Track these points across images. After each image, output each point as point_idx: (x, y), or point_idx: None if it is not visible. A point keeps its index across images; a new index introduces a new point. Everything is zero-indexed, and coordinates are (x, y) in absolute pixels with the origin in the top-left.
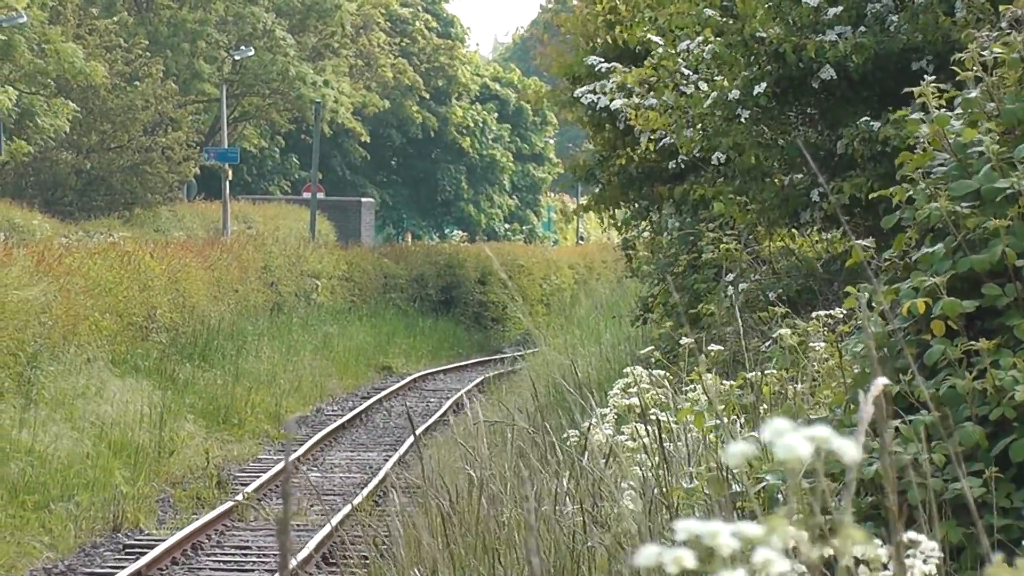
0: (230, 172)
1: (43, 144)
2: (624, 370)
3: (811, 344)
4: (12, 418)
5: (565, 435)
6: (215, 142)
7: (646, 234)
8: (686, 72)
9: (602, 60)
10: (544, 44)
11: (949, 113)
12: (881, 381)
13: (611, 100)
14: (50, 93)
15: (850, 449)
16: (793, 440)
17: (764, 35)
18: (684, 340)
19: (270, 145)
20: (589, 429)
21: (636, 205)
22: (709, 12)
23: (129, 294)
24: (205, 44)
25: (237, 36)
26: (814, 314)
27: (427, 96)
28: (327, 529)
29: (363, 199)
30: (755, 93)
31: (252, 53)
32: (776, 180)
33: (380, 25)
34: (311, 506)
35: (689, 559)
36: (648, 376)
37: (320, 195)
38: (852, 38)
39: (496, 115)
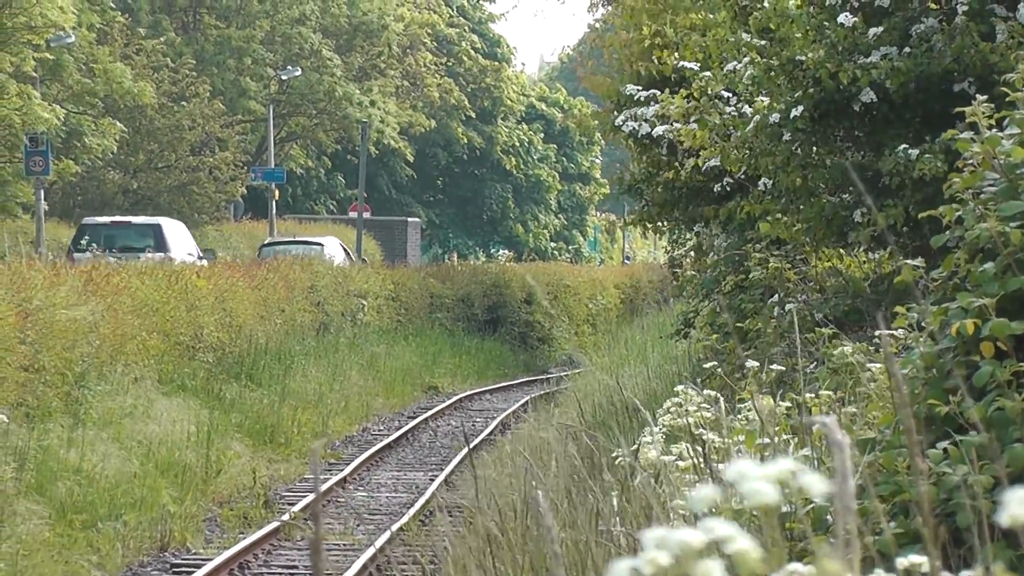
0: (276, 192)
1: (91, 164)
2: (675, 388)
3: (861, 363)
4: (60, 437)
5: (614, 454)
6: (262, 162)
7: (692, 254)
8: (726, 95)
9: (640, 88)
10: (587, 67)
11: (999, 134)
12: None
13: (652, 128)
14: (98, 113)
15: (817, 484)
16: (758, 485)
17: (803, 58)
18: (748, 363)
19: (316, 165)
20: (639, 449)
21: (681, 224)
22: (746, 37)
23: (176, 314)
24: (251, 61)
25: (284, 56)
26: (874, 332)
27: (473, 116)
28: (373, 550)
29: (409, 218)
30: (792, 116)
31: (299, 73)
32: (823, 199)
33: (426, 45)
34: (357, 525)
35: (664, 559)
36: (698, 395)
37: (366, 214)
38: (889, 61)
39: (542, 135)
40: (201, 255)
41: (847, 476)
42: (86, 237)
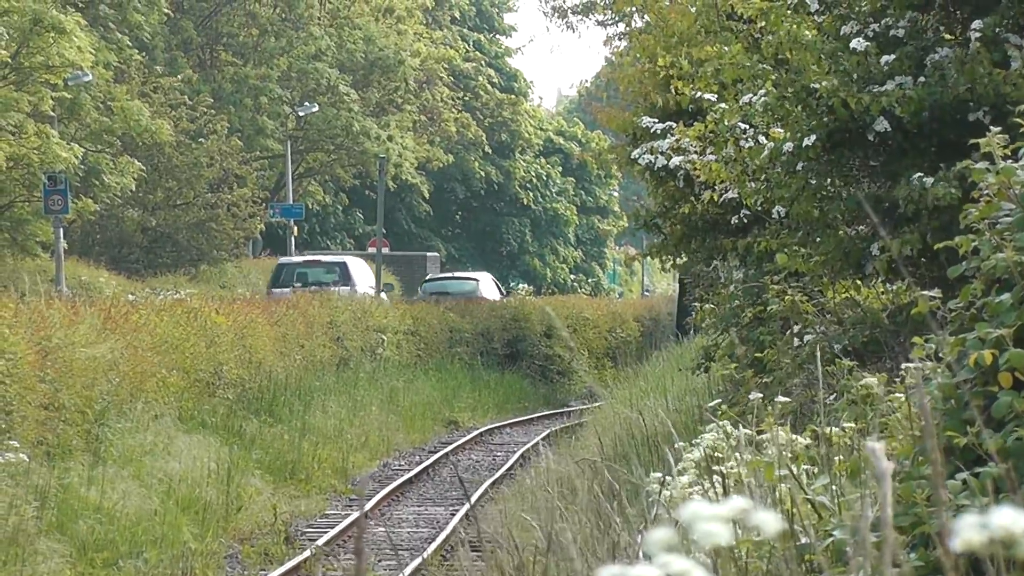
0: (295, 228)
1: (109, 202)
2: (700, 429)
3: (877, 394)
4: (80, 475)
5: (636, 489)
6: (280, 198)
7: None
8: (743, 126)
9: (656, 121)
10: (602, 101)
11: (1015, 164)
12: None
13: (668, 160)
14: (116, 151)
15: (771, 522)
16: (710, 527)
17: (817, 86)
18: (752, 395)
19: (334, 201)
20: (662, 485)
21: (698, 255)
22: (762, 65)
23: (196, 350)
24: (268, 100)
25: (301, 92)
26: (894, 363)
27: (490, 150)
28: None
29: (428, 253)
30: (804, 145)
31: (316, 109)
32: (840, 231)
33: (443, 80)
34: (378, 561)
35: None
36: (720, 433)
37: (385, 250)
38: (901, 89)
39: (560, 168)
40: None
41: (887, 505)
42: (283, 275)
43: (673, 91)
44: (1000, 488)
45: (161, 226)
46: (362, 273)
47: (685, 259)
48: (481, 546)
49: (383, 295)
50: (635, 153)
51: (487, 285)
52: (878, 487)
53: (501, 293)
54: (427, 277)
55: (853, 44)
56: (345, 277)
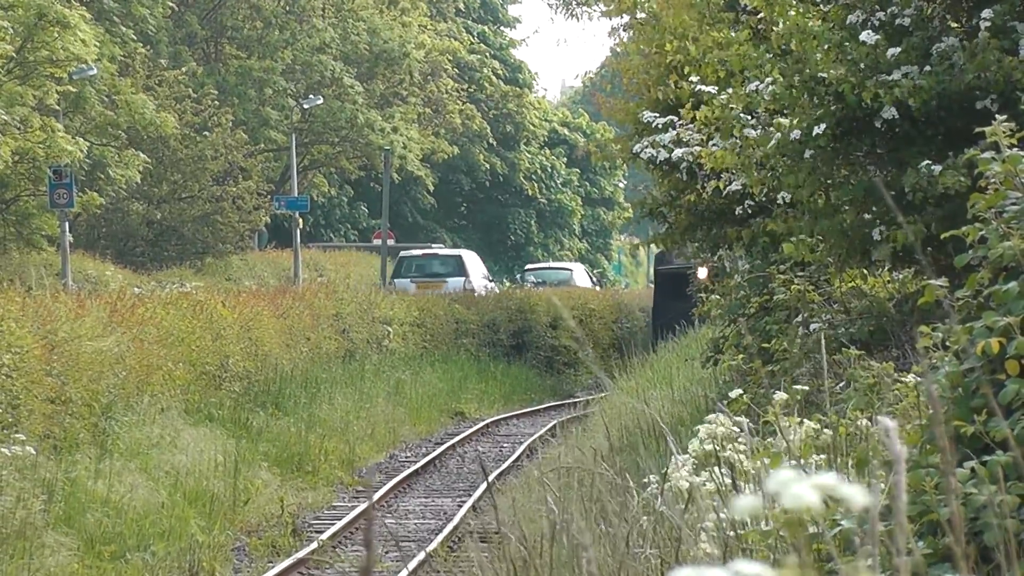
0: (300, 220)
1: (114, 195)
2: (706, 418)
3: (886, 383)
4: (87, 469)
5: (643, 479)
6: (285, 190)
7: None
8: (745, 116)
9: (657, 115)
10: (606, 92)
11: (1021, 152)
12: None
13: (670, 153)
14: (121, 144)
15: (858, 496)
16: (800, 490)
17: (825, 75)
18: (777, 395)
19: (339, 194)
20: (666, 474)
21: (703, 244)
22: (768, 55)
23: (202, 343)
24: (272, 92)
25: (306, 85)
26: (900, 352)
27: (495, 142)
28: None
29: (433, 245)
30: (815, 134)
31: (321, 101)
32: (844, 216)
33: (448, 72)
34: (386, 553)
35: None
36: (727, 422)
37: (390, 241)
38: (911, 80)
39: (565, 159)
40: (491, 279)
41: (901, 489)
42: (403, 266)
43: (672, 84)
44: (1008, 476)
45: (166, 219)
46: (475, 266)
47: (661, 246)
48: (488, 537)
49: (493, 284)
50: (636, 148)
51: (580, 274)
52: (886, 474)
53: (593, 281)
54: (526, 267)
55: (863, 37)
56: (460, 269)
